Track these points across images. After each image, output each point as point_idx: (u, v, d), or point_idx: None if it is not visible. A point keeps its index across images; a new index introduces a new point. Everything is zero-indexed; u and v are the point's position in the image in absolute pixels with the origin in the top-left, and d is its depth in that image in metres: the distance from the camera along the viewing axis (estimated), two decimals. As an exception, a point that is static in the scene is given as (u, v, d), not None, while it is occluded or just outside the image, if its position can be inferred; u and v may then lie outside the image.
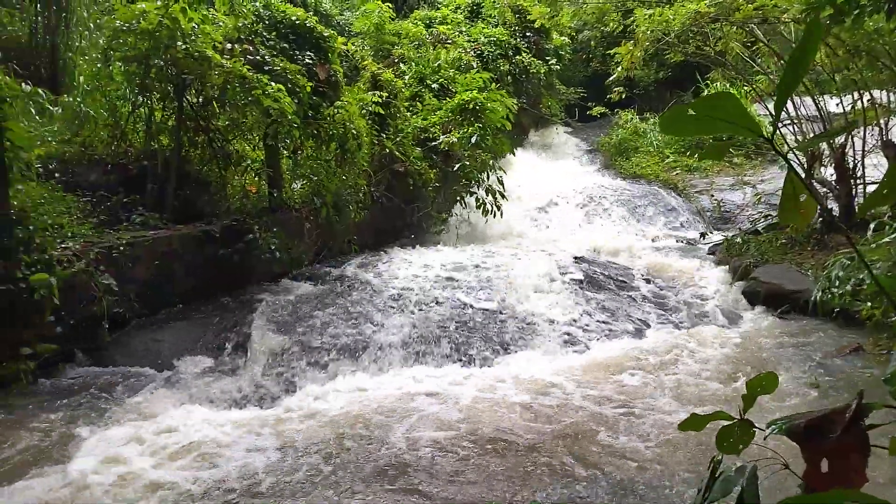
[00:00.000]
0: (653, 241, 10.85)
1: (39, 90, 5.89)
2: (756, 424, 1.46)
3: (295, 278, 7.59)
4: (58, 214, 6.06)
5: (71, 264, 5.44)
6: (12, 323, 5.06)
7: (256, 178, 8.33)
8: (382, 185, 10.00)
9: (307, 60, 8.18)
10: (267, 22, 8.25)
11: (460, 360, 5.86)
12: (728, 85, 14.15)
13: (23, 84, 5.64)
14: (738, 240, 8.59)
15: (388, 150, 9.95)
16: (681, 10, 9.15)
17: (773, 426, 1.45)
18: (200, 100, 7.46)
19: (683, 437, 4.06)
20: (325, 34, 8.60)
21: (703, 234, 10.60)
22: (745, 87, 11.58)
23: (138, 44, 6.87)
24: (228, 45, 7.44)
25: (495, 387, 5.15)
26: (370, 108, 9.66)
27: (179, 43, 6.80)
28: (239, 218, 7.31)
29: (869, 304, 5.56)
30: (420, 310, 6.59)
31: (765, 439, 1.46)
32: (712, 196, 12.12)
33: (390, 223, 10.20)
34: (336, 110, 8.20)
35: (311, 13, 10.40)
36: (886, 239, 5.44)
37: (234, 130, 7.77)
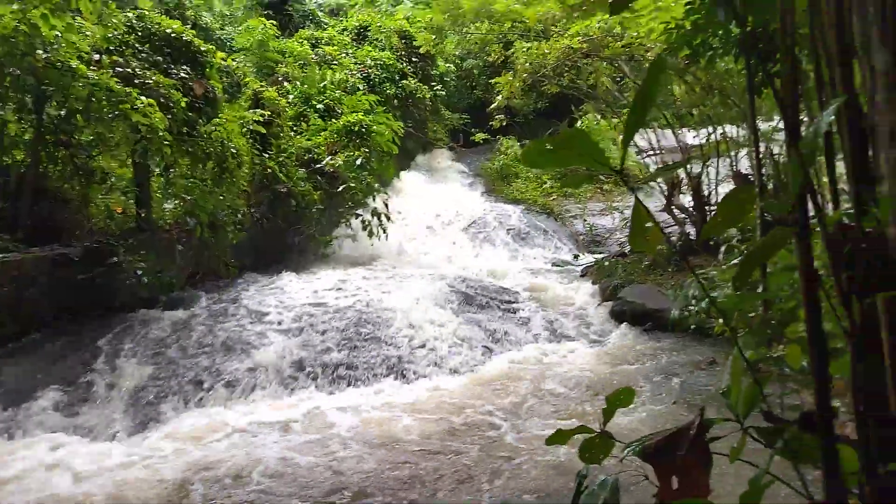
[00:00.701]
0: (531, 262, 11.28)
1: None
2: (615, 437, 1.57)
3: (165, 304, 7.16)
4: None
5: None
6: None
7: (123, 197, 7.83)
8: (263, 206, 9.72)
9: (183, 75, 7.86)
10: (140, 33, 7.86)
11: (338, 385, 5.76)
12: (599, 117, 15.10)
13: None
14: (607, 262, 9.11)
15: (270, 171, 9.70)
16: (556, 45, 9.69)
17: (629, 448, 1.56)
18: (63, 112, 6.93)
19: (554, 451, 4.22)
20: (203, 48, 8.32)
21: (576, 256, 11.17)
22: (614, 119, 12.40)
23: (-10, 50, 6.30)
24: (96, 56, 7.00)
25: (375, 410, 5.12)
26: (251, 127, 9.40)
27: (39, 51, 6.32)
28: (102, 239, 6.82)
29: (720, 320, 6.07)
30: (299, 335, 6.42)
31: (621, 461, 1.56)
32: (585, 220, 12.82)
33: (271, 245, 9.91)
34: (214, 127, 7.91)
35: (189, 26, 10.02)
36: (735, 261, 5.99)
37: (99, 146, 7.28)
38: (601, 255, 10.14)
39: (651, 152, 10.91)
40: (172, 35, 8.01)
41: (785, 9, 1.45)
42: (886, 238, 1.42)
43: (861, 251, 1.37)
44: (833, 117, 1.42)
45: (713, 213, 8.98)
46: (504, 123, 13.31)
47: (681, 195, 9.93)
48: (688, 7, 6.19)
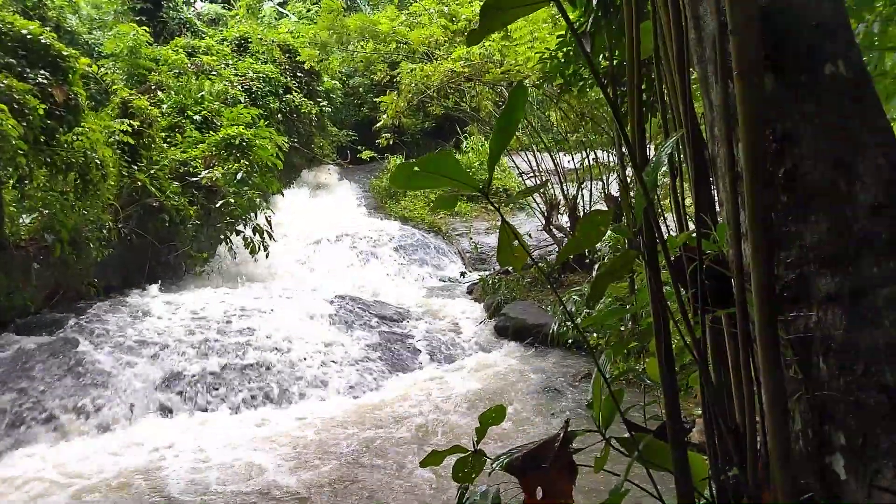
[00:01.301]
0: (419, 280, 11.34)
1: None
2: (488, 454, 1.59)
3: (20, 328, 6.51)
4: None
5: None
6: None
7: (-31, 210, 7.06)
8: (133, 221, 9.11)
9: (41, 80, 7.23)
10: (-10, 33, 7.16)
11: (219, 411, 5.48)
12: (483, 139, 15.54)
13: None
14: (492, 280, 9.35)
15: (140, 183, 9.12)
16: (439, 68, 9.89)
17: (497, 463, 1.59)
18: None
19: (435, 471, 4.23)
20: (65, 53, 7.71)
21: (462, 274, 11.35)
22: (497, 141, 12.79)
23: None
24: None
25: (247, 435, 4.91)
26: (119, 137, 8.81)
27: None
28: (-58, 256, 6.12)
29: (595, 334, 6.39)
30: (170, 359, 6.05)
31: (489, 474, 1.59)
32: (471, 239, 13.09)
33: (141, 263, 9.30)
34: (76, 137, 7.34)
35: (50, 28, 9.28)
36: (593, 274, 6.34)
37: (-62, 153, 6.53)
38: (486, 273, 10.38)
39: (531, 174, 11.37)
40: (28, 36, 7.37)
41: (632, 54, 1.56)
42: (725, 259, 1.56)
43: (702, 271, 1.49)
44: (671, 149, 1.54)
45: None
46: (392, 142, 13.35)
47: (559, 215, 10.41)
48: (560, 39, 6.57)
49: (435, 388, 6.07)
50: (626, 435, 1.58)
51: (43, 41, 7.50)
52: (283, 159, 11.63)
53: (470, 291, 9.93)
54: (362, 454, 4.65)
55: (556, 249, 10.07)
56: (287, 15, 23.42)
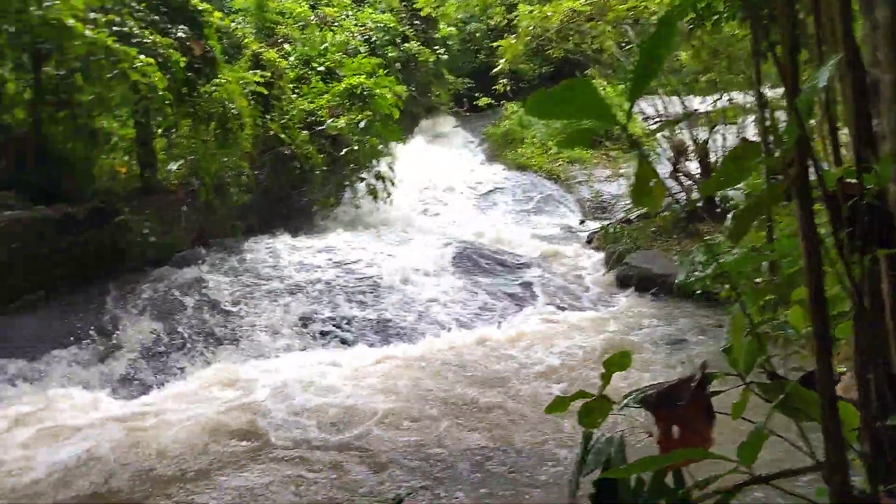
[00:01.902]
0: (537, 228, 11.24)
1: None
2: (614, 400, 1.58)
3: (171, 263, 7.18)
4: None
5: None
6: None
7: (126, 158, 7.79)
8: (267, 169, 9.67)
9: (180, 34, 7.73)
10: (136, -8, 7.70)
11: (347, 344, 5.82)
12: (605, 82, 14.88)
13: None
14: (613, 228, 9.09)
15: (272, 133, 9.62)
16: (559, 8, 9.50)
17: (629, 398, 1.57)
18: (61, 72, 6.85)
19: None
20: (201, 8, 8.18)
21: (581, 222, 11.13)
22: (620, 84, 12.23)
23: (-16, 6, 6.21)
24: (92, 15, 6.88)
25: (381, 366, 5.18)
26: (252, 88, 9.29)
27: (33, 8, 6.21)
28: (106, 199, 6.82)
29: (726, 286, 6.08)
30: (307, 294, 6.46)
31: (619, 409, 1.57)
32: (591, 186, 12.74)
33: (275, 207, 9.89)
34: (214, 88, 7.82)
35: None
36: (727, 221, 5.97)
37: (99, 106, 7.20)
38: (607, 222, 10.10)
39: (658, 118, 10.77)
40: (169, -7, 7.86)
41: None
42: (887, 196, 1.40)
43: (861, 208, 1.36)
44: (830, 73, 1.39)
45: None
46: (509, 88, 13.14)
47: (687, 162, 9.84)
48: (692, -30, 6.07)
49: (554, 335, 6.07)
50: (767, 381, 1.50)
51: (182, -2, 7.97)
52: (402, 108, 11.78)
53: (590, 240, 9.72)
54: (486, 388, 4.77)
55: (684, 197, 9.57)
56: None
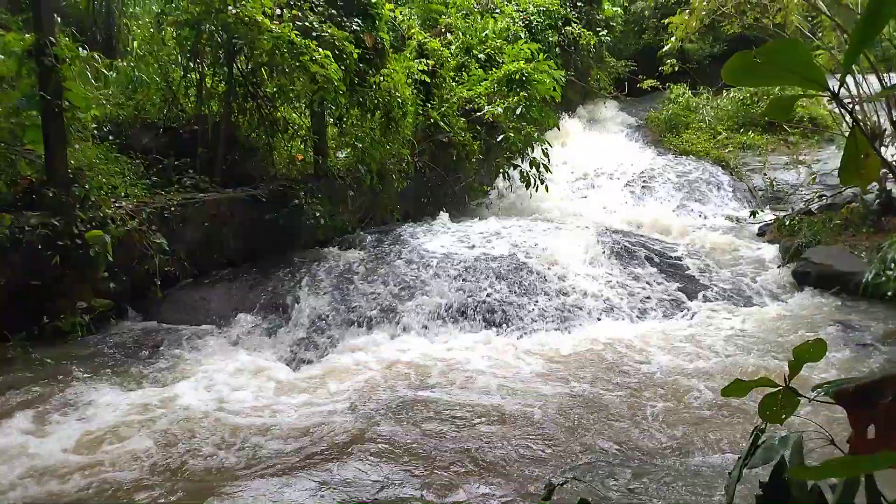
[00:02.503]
0: (703, 218, 10.60)
1: (95, 55, 6.06)
2: (801, 394, 1.43)
3: (339, 245, 7.69)
4: (112, 175, 6.25)
5: (124, 223, 5.63)
6: (69, 277, 5.28)
7: (303, 146, 8.42)
8: (426, 155, 9.99)
9: (354, 27, 8.16)
10: (315, -13, 8.24)
11: (501, 329, 5.89)
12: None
13: (80, 48, 5.81)
14: (790, 220, 8.32)
15: (432, 120, 9.91)
16: (740, -21, 8.79)
17: (820, 389, 1.42)
18: (250, 66, 7.54)
19: (730, 408, 4.02)
20: (373, 1, 8.55)
21: (753, 213, 10.29)
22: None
23: (190, 8, 6.96)
24: (278, 11, 7.47)
25: (541, 352, 5.20)
26: (416, 77, 9.62)
27: (230, 7, 6.86)
28: (285, 183, 7.42)
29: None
30: (463, 279, 6.61)
31: (810, 401, 1.43)
32: (765, 175, 11.73)
33: (433, 193, 10.21)
34: (382, 78, 8.19)
35: (359, -20, 10.34)
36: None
37: (281, 97, 7.84)
38: (783, 213, 9.26)
39: (849, 100, 9.64)
40: (344, -12, 8.30)
41: None
42: None
43: None
44: None
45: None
46: (675, 69, 12.44)
47: (883, 148, 8.73)
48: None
49: (721, 329, 5.70)
50: None
51: (356, -8, 8.39)
52: (561, 93, 11.59)
53: (762, 233, 8.97)
54: (643, 386, 4.61)
55: (876, 188, 8.51)
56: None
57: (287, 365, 5.18)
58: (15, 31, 7.40)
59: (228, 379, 4.68)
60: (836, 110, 10.40)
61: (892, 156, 8.48)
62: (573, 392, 4.50)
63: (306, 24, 7.53)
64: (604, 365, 5.02)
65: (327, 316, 5.84)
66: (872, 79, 9.01)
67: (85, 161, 5.89)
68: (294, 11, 7.61)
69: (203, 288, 6.28)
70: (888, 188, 8.27)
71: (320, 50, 7.10)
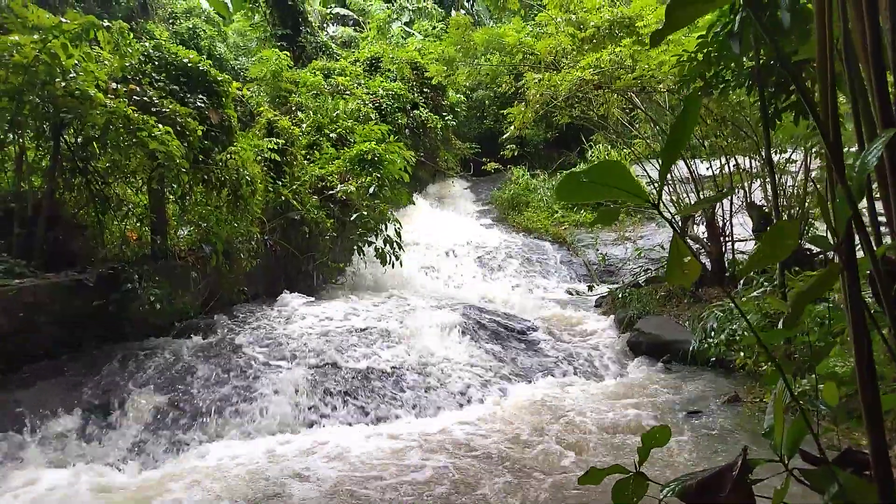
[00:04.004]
0: (545, 292, 11.21)
1: None
2: (649, 478, 1.50)
3: (180, 331, 7.13)
4: None
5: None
6: None
7: (138, 224, 7.86)
8: (277, 233, 9.73)
9: (199, 104, 7.93)
10: (157, 63, 7.95)
11: (357, 419, 5.68)
12: (609, 147, 15.15)
13: None
14: (621, 293, 9.04)
15: (283, 198, 9.73)
16: (567, 77, 9.75)
17: (668, 489, 1.49)
18: (79, 140, 7.00)
19: (577, 493, 4.12)
20: (219, 78, 8.40)
21: (590, 287, 11.09)
22: (625, 150, 12.44)
23: (10, 78, 6.38)
24: (113, 85, 7.08)
25: (395, 444, 5.03)
26: (265, 155, 9.47)
27: (59, 80, 6.39)
28: (116, 266, 6.82)
29: (742, 353, 5.98)
30: (315, 365, 6.36)
31: (660, 502, 1.49)
32: (597, 250, 12.77)
33: (284, 272, 9.90)
34: (229, 155, 7.96)
35: (204, 57, 10.15)
36: (755, 293, 5.92)
37: (115, 173, 7.33)
38: (615, 286, 10.06)
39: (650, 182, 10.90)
40: (189, 65, 8.10)
41: (823, 44, 1.43)
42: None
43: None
44: (878, 152, 1.38)
45: (727, 243, 8.83)
46: (515, 153, 13.36)
47: (695, 226, 9.90)
48: (700, 41, 6.26)
49: (565, 404, 5.93)
50: (805, 466, 1.44)
51: (201, 68, 8.22)
52: (411, 173, 11.96)
53: (598, 304, 9.66)
54: (497, 464, 4.62)
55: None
56: (413, 34, 24.19)
57: (119, 472, 4.58)
58: None
59: (56, 494, 4.05)
60: (653, 192, 11.66)
61: (703, 233, 9.66)
62: (442, 480, 4.41)
63: (145, 98, 7.20)
64: (461, 449, 4.99)
65: (164, 415, 5.28)
66: (681, 164, 10.28)
67: None
68: (131, 86, 7.26)
69: (16, 386, 5.47)
70: (702, 262, 9.32)
71: (160, 126, 6.78)
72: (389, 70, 18.44)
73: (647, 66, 9.08)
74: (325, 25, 25.23)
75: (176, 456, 4.85)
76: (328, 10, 26.55)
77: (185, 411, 5.35)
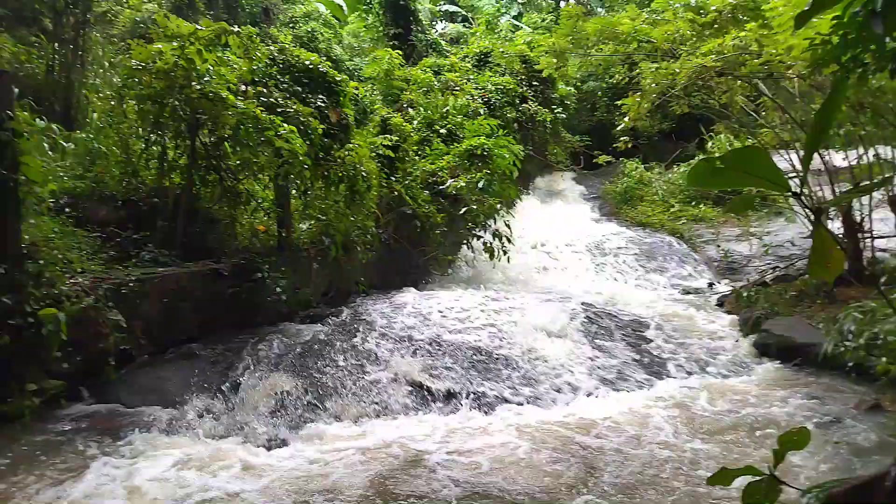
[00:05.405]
0: (660, 289, 10.81)
1: (53, 126, 5.98)
2: (785, 482, 1.42)
3: (302, 319, 7.53)
4: (68, 249, 6.05)
5: (80, 300, 5.40)
6: (19, 358, 5.00)
7: (266, 218, 8.36)
8: (390, 227, 10.05)
9: (319, 103, 8.30)
10: (281, 65, 8.40)
11: (472, 407, 5.76)
12: (732, 137, 14.33)
13: (37, 119, 5.72)
14: (747, 292, 8.54)
15: (396, 193, 10.02)
16: (686, 65, 9.32)
17: (810, 494, 1.40)
18: (213, 139, 7.54)
19: (706, 491, 3.97)
20: (338, 78, 8.75)
21: (710, 285, 10.56)
22: (749, 140, 11.72)
23: (154, 83, 6.98)
24: (243, 87, 7.57)
25: (508, 437, 5.06)
26: (380, 151, 9.78)
27: (194, 83, 6.91)
28: (247, 257, 7.31)
29: (884, 359, 5.49)
30: (428, 353, 6.51)
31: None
32: (718, 246, 12.13)
33: (397, 265, 10.20)
34: (346, 152, 8.29)
35: (323, 58, 10.63)
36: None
37: (245, 170, 7.84)
38: (739, 284, 9.52)
39: (792, 174, 10.17)
40: (310, 66, 8.50)
41: None
42: None
43: None
44: None
45: (866, 239, 8.15)
46: (629, 145, 12.98)
47: (829, 221, 9.17)
48: (834, 22, 5.78)
49: (689, 406, 5.69)
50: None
51: (322, 69, 8.60)
52: (519, 167, 11.92)
53: (721, 304, 9.19)
54: (620, 464, 4.53)
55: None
56: (522, 27, 24.04)
57: (255, 446, 4.92)
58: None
59: (192, 464, 4.43)
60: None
61: (838, 229, 8.92)
62: (542, 484, 4.40)
63: (271, 100, 7.64)
64: (576, 445, 4.93)
65: (293, 395, 5.61)
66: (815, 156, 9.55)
67: (40, 236, 5.70)
68: (259, 88, 7.72)
69: (160, 366, 6.01)
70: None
71: (285, 125, 7.17)
72: (498, 64, 18.44)
73: (774, 51, 8.51)
74: (434, 23, 25.62)
75: (297, 433, 5.14)
76: (438, 8, 26.92)
77: (309, 393, 5.65)
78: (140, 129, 7.59)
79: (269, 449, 4.90)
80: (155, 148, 7.57)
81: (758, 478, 1.47)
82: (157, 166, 7.64)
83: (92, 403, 5.39)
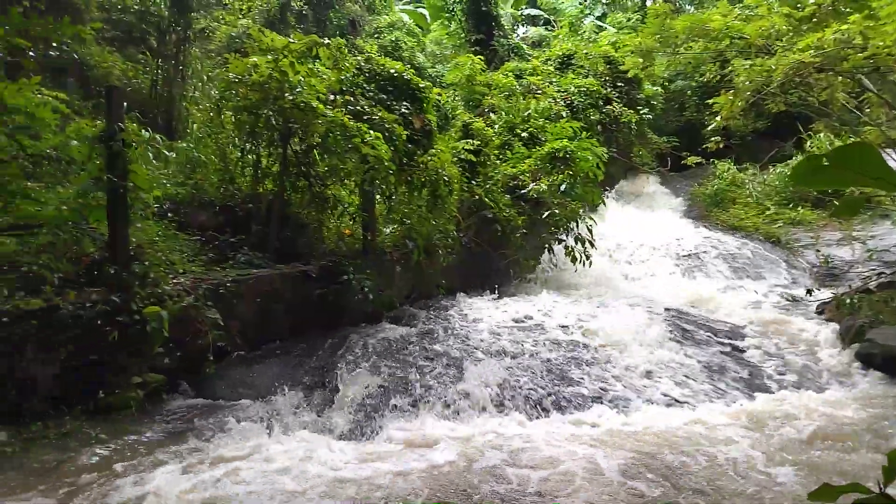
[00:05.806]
0: (753, 296, 10.32)
1: (157, 136, 6.41)
2: None
3: (386, 320, 7.70)
4: (170, 252, 6.47)
5: (181, 299, 5.76)
6: (125, 352, 5.38)
7: (351, 222, 8.61)
8: (471, 231, 10.09)
9: (403, 110, 8.48)
10: (367, 74, 8.64)
11: (554, 411, 5.70)
12: (833, 136, 13.50)
13: (143, 131, 6.15)
14: (849, 299, 8.02)
15: (477, 197, 10.07)
16: (783, 60, 8.87)
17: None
18: (303, 147, 7.84)
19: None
20: (421, 85, 8.90)
21: (809, 291, 9.96)
22: (851, 138, 11.01)
23: (249, 94, 7.34)
24: (331, 97, 7.83)
25: (591, 444, 4.97)
26: (461, 156, 9.86)
27: (287, 94, 7.22)
28: (334, 259, 7.55)
29: None
30: (510, 357, 6.50)
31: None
32: (818, 251, 11.44)
33: (478, 268, 10.24)
34: (429, 158, 8.41)
35: (407, 66, 10.84)
36: None
37: (332, 176, 8.10)
38: (840, 291, 8.95)
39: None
40: (395, 75, 8.69)
41: None
42: None
43: None
44: None
45: None
46: (721, 146, 12.48)
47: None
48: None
49: (783, 417, 5.41)
50: None
51: (406, 77, 8.78)
52: (603, 169, 11.69)
53: (820, 311, 8.66)
54: (707, 477, 4.37)
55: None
56: (606, 27, 23.61)
57: (339, 441, 5.08)
58: (87, 118, 7.93)
59: (286, 457, 4.62)
60: None
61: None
62: (632, 491, 4.30)
63: (358, 108, 7.87)
64: (666, 455, 4.78)
65: (378, 394, 5.75)
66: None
67: (145, 239, 6.12)
68: (346, 97, 7.97)
69: (254, 363, 6.31)
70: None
71: (371, 132, 7.37)
72: (582, 66, 18.18)
73: (881, 44, 7.97)
74: (516, 27, 25.59)
75: (391, 429, 5.25)
76: (520, 12, 26.87)
77: (396, 392, 5.77)
78: (236, 139, 8.01)
79: (356, 441, 5.04)
80: (250, 156, 7.96)
81: (865, 495, 1.39)
82: (251, 174, 8.03)
83: (192, 397, 5.73)
